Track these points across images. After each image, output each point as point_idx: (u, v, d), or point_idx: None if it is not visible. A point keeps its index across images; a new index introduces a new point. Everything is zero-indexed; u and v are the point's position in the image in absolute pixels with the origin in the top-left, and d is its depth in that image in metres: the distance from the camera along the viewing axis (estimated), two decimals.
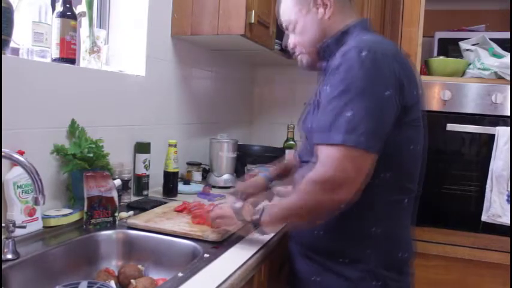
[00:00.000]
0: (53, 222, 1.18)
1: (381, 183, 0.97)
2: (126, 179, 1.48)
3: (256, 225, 1.06)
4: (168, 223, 1.22)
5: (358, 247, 1.01)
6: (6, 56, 1.12)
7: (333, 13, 1.07)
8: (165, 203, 1.47)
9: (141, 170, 1.61)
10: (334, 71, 0.93)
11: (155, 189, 1.70)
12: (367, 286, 1.00)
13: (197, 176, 1.89)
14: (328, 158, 0.89)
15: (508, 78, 1.94)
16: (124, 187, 1.47)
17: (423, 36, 2.07)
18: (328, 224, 1.02)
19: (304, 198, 0.94)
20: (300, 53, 1.15)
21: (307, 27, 1.09)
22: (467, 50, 2.11)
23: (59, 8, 1.29)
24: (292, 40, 1.15)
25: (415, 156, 1.02)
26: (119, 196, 1.33)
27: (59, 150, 1.25)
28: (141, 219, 1.23)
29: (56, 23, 1.29)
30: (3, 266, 0.92)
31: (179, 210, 1.36)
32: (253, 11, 1.66)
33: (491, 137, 1.94)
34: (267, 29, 1.84)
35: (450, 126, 1.98)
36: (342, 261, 1.01)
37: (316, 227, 1.04)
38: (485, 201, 1.93)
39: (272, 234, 1.18)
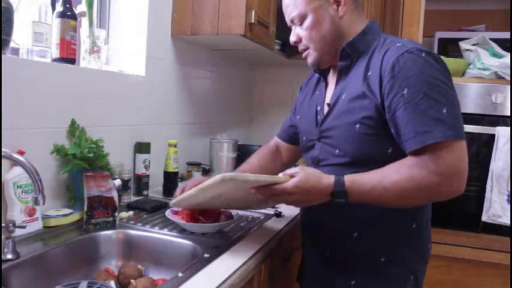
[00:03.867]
0: (53, 222, 1.18)
1: None
2: (126, 179, 1.48)
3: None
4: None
5: (400, 245, 1.05)
6: (6, 56, 1.11)
7: (346, 13, 1.06)
8: (166, 203, 1.47)
9: (141, 170, 1.61)
10: (398, 73, 0.94)
11: (155, 189, 1.70)
12: (405, 282, 1.06)
13: (197, 176, 1.89)
14: (447, 153, 0.90)
15: (508, 78, 1.94)
16: (124, 187, 1.47)
17: (423, 36, 2.07)
18: (366, 226, 1.04)
19: (420, 185, 0.91)
20: (306, 48, 1.11)
21: (318, 23, 1.06)
22: (467, 50, 2.11)
23: (59, 8, 1.29)
24: (297, 33, 1.11)
25: None
26: (119, 196, 1.33)
27: (59, 150, 1.25)
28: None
29: (56, 23, 1.29)
30: (3, 266, 0.92)
31: None
32: (253, 11, 1.66)
33: (491, 137, 1.94)
34: (267, 29, 1.84)
35: None
36: (383, 261, 1.04)
37: (352, 230, 1.06)
38: (485, 201, 1.93)
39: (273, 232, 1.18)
